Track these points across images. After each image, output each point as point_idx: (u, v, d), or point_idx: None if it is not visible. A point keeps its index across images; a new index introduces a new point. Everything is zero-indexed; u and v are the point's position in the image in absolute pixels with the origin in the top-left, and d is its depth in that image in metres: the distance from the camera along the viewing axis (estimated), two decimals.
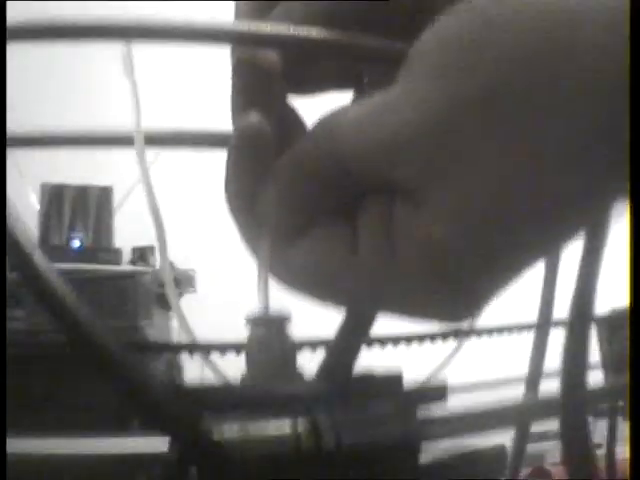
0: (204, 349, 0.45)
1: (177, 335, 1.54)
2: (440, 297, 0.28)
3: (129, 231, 1.73)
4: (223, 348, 0.45)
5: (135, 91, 0.35)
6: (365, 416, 0.30)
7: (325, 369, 0.32)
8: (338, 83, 0.34)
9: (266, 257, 0.30)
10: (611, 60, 0.23)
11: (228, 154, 0.31)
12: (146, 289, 1.50)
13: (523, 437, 0.67)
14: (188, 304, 1.79)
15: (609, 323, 0.77)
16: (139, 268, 1.54)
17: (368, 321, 0.33)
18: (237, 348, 0.44)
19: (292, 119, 0.33)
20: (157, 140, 0.44)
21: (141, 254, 1.71)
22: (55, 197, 1.95)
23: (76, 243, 1.76)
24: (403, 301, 0.29)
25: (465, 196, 0.25)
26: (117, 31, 0.27)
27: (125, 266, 1.47)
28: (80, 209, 1.92)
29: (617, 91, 0.23)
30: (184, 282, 1.72)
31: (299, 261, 0.30)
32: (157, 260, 1.75)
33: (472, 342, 0.78)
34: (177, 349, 0.44)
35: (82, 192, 1.98)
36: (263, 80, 0.31)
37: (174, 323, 1.78)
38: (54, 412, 1.18)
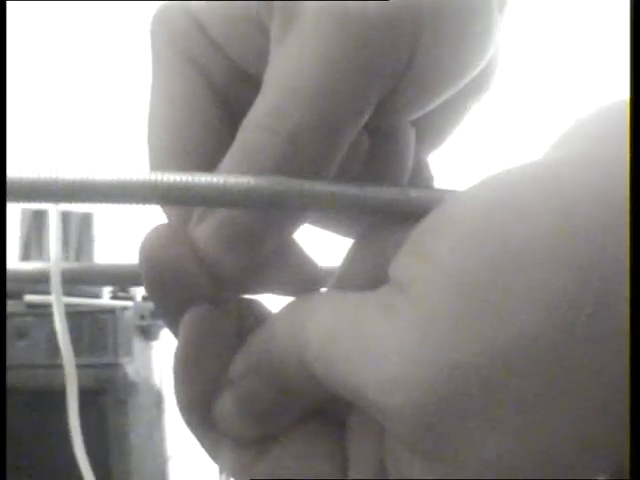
0: None
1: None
2: None
3: (110, 259, 1.71)
4: None
5: None
6: None
7: None
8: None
9: (228, 465, 0.26)
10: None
11: (174, 359, 0.27)
12: (126, 324, 1.48)
13: None
14: (169, 335, 1.77)
15: None
16: (120, 303, 1.51)
17: None
18: None
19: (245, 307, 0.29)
20: None
21: (121, 285, 1.68)
22: (35, 223, 1.92)
23: None
24: None
25: (480, 460, 0.21)
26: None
27: (106, 300, 1.44)
28: (61, 236, 1.89)
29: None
30: None
31: (274, 474, 0.26)
32: (138, 291, 1.73)
33: None
34: None
35: (63, 218, 1.95)
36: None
37: (156, 355, 1.76)
38: None
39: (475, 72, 0.27)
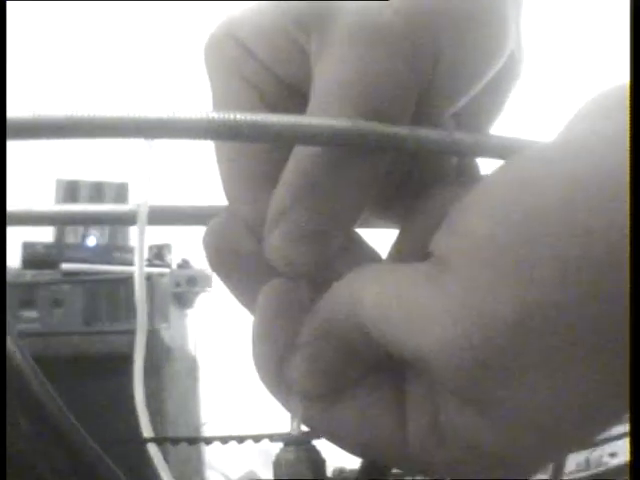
0: (204, 441, 0.43)
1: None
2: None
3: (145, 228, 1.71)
4: (225, 440, 0.42)
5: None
6: None
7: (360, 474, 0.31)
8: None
9: (298, 417, 0.29)
10: None
11: (253, 325, 0.30)
12: (163, 290, 1.48)
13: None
14: (204, 303, 1.78)
15: None
16: (156, 269, 1.52)
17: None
18: (239, 440, 0.41)
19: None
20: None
21: (158, 252, 1.69)
22: (70, 193, 1.93)
23: (91, 241, 1.74)
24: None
25: (518, 409, 0.24)
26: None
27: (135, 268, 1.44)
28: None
29: None
30: (201, 281, 1.70)
31: (338, 423, 0.28)
32: (174, 258, 1.74)
33: None
34: (178, 442, 0.41)
35: (98, 188, 1.96)
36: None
37: (190, 322, 1.78)
38: None
39: (496, 67, 0.29)
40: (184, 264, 1.75)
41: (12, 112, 0.23)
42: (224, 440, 0.40)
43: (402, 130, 0.26)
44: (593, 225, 0.22)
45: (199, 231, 0.30)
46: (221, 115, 0.25)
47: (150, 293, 1.36)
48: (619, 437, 0.64)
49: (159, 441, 0.32)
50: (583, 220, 0.22)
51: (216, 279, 0.32)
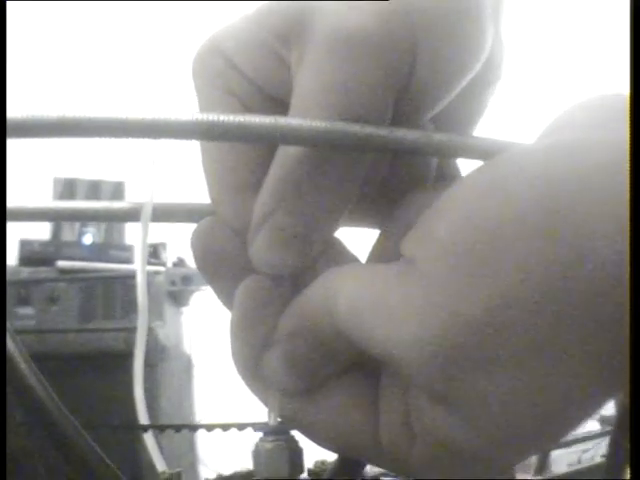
0: (190, 428, 0.44)
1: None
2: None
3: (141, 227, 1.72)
4: (210, 427, 0.43)
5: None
6: None
7: (333, 471, 0.32)
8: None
9: (275, 411, 0.30)
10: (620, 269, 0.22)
11: (230, 321, 0.30)
12: (158, 289, 1.49)
13: None
14: (199, 301, 1.79)
15: None
16: (151, 268, 1.53)
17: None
18: (224, 427, 0.42)
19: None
20: None
21: (153, 250, 1.70)
22: (67, 191, 1.94)
23: (88, 239, 1.74)
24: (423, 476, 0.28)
25: (486, 405, 0.25)
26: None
27: (136, 265, 1.45)
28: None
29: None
30: (196, 280, 1.71)
31: (314, 418, 0.29)
32: (169, 257, 1.74)
33: None
34: (165, 428, 0.42)
35: (94, 187, 1.97)
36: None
37: (186, 321, 1.78)
38: None
39: (474, 69, 0.29)
40: (179, 263, 1.76)
41: (8, 112, 0.24)
42: (209, 428, 0.41)
43: (380, 131, 0.27)
44: (560, 229, 0.23)
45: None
46: (206, 116, 0.25)
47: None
48: (598, 436, 0.65)
49: (146, 428, 0.33)
50: (549, 224, 0.23)
51: None
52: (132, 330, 1.27)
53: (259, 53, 0.30)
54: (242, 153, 0.30)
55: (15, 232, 1.74)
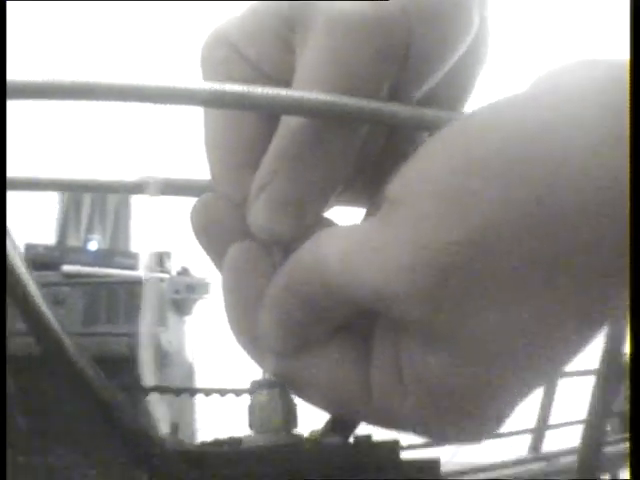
0: (201, 392, 0.45)
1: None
2: (454, 432, 0.28)
3: (147, 241, 1.73)
4: (223, 392, 0.45)
5: None
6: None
7: (325, 432, 0.32)
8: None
9: (269, 371, 0.31)
10: (600, 203, 0.24)
11: (223, 272, 0.31)
12: (161, 295, 1.49)
13: None
14: (202, 311, 1.79)
15: None
16: (155, 274, 1.53)
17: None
18: (236, 392, 0.43)
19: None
20: None
21: (158, 259, 1.70)
22: (74, 199, 1.95)
23: (93, 245, 1.75)
24: (417, 429, 0.29)
25: (472, 338, 0.26)
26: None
27: (141, 271, 1.46)
28: (98, 212, 1.92)
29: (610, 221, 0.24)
30: (199, 288, 1.71)
31: (307, 377, 0.30)
32: (173, 266, 1.75)
33: None
34: (169, 391, 0.43)
35: (100, 201, 1.98)
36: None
37: (188, 329, 1.79)
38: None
39: (463, 46, 0.31)
40: (183, 272, 1.77)
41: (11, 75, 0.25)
42: (207, 392, 0.42)
43: (375, 104, 0.29)
44: (537, 157, 0.24)
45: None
46: (212, 86, 0.27)
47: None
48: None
49: (147, 391, 0.34)
50: (528, 153, 0.25)
51: (215, 287, 0.34)
52: (136, 335, 1.28)
53: (264, 37, 0.31)
54: (243, 132, 0.32)
55: (21, 236, 1.75)
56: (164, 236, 0.34)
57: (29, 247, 1.71)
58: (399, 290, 0.25)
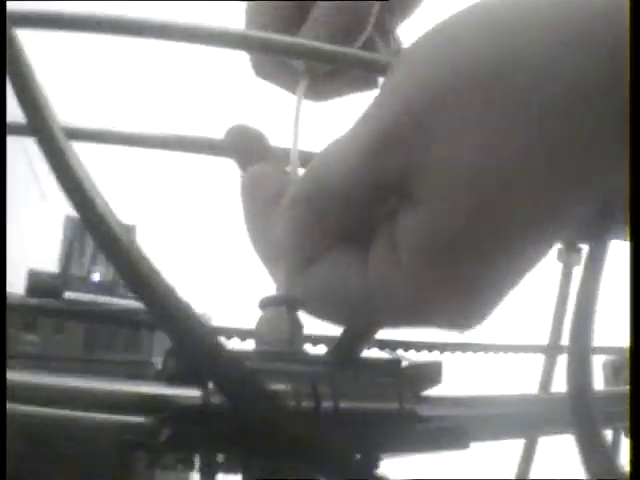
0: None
1: None
2: (445, 305, 0.29)
3: None
4: (229, 333, 0.47)
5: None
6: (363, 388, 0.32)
7: (330, 354, 0.34)
8: (354, 89, 0.43)
9: (283, 282, 0.33)
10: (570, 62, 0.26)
11: (241, 197, 0.35)
12: None
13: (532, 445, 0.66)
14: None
15: (612, 364, 0.77)
16: None
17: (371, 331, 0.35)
18: (242, 335, 0.46)
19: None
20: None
21: None
22: (79, 231, 1.96)
23: (96, 276, 1.76)
24: (411, 311, 0.30)
25: (450, 192, 0.28)
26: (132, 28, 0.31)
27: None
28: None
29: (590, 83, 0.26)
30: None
31: (313, 286, 0.32)
32: None
33: (481, 358, 0.77)
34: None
35: None
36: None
37: None
38: None
39: None
40: None
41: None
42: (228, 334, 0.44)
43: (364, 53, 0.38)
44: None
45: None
46: (240, 30, 0.34)
47: (150, 326, 1.38)
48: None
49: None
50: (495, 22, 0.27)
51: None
52: (135, 363, 1.29)
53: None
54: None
55: (24, 263, 1.75)
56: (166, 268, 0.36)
57: (32, 274, 1.72)
58: (377, 149, 0.29)
